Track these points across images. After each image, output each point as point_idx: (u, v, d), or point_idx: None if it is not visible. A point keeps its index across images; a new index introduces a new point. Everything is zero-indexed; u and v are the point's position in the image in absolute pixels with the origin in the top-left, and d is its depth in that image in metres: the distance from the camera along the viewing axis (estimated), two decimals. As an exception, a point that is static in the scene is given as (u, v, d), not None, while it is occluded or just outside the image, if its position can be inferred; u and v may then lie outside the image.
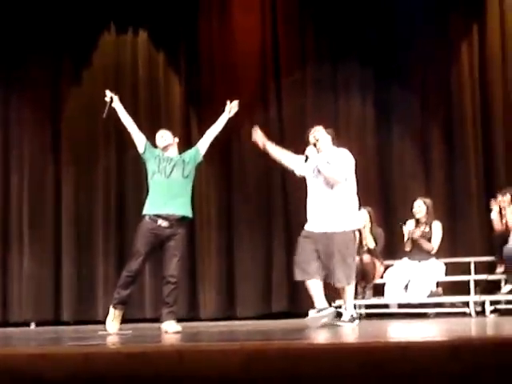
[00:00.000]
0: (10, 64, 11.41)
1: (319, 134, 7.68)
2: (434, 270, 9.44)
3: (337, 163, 7.44)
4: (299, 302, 10.65)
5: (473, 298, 9.16)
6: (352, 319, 7.52)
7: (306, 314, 10.02)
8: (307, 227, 7.59)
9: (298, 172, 7.81)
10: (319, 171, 7.48)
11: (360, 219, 7.72)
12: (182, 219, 7.25)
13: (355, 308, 9.65)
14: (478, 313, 9.04)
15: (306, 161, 7.56)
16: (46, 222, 11.17)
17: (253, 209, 11.02)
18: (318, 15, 11.13)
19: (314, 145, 7.61)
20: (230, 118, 7.72)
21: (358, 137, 11.01)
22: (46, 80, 11.47)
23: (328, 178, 7.41)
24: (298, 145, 10.90)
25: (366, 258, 9.58)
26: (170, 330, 7.00)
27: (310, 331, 6.71)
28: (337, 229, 7.35)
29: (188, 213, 7.30)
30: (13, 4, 11.31)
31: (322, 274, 7.38)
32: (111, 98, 7.56)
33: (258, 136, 7.88)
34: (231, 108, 7.70)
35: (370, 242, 9.70)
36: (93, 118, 11.20)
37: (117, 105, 7.56)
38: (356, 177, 7.58)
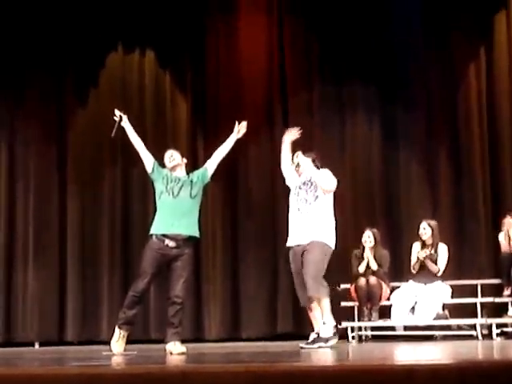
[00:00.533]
0: (17, 82, 11.42)
1: (298, 159, 7.95)
2: (441, 292, 9.39)
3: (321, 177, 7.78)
4: (304, 323, 10.61)
5: (479, 320, 9.11)
6: (330, 337, 7.53)
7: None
8: (288, 243, 7.85)
9: (288, 182, 8.06)
10: (305, 184, 7.81)
11: (333, 239, 7.78)
12: (189, 239, 7.22)
13: (361, 330, 9.66)
14: (484, 336, 8.99)
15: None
16: (51, 241, 11.14)
17: (258, 229, 10.99)
18: (323, 36, 11.17)
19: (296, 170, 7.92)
20: (237, 139, 7.69)
21: (364, 158, 11.06)
22: (53, 98, 11.47)
23: (321, 184, 7.71)
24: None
25: (372, 279, 9.54)
26: (175, 351, 6.95)
27: (315, 353, 6.65)
28: (311, 241, 7.53)
29: (195, 233, 7.27)
30: (20, 23, 11.35)
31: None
32: (120, 117, 7.57)
33: (290, 135, 8.05)
34: (240, 129, 7.67)
35: (372, 264, 9.66)
36: (98, 136, 11.25)
37: (125, 124, 7.58)
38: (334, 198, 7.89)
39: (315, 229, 7.60)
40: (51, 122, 11.42)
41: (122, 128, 7.57)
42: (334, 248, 7.77)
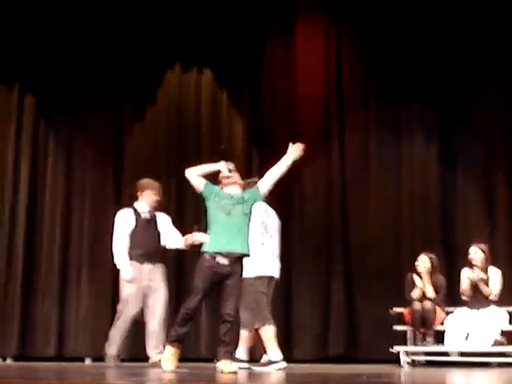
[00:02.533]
0: (75, 100, 11.54)
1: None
2: (497, 318, 9.22)
3: None
4: (357, 346, 10.52)
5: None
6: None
7: (365, 359, 9.96)
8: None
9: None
10: None
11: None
12: (242, 257, 7.18)
13: (415, 355, 9.51)
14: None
15: None
16: (104, 256, 11.11)
17: (311, 250, 10.91)
18: (381, 55, 11.12)
19: None
20: (276, 162, 7.57)
21: (421, 179, 10.94)
22: (110, 116, 11.56)
23: None
24: (359, 187, 10.89)
25: (427, 303, 9.39)
26: (226, 370, 6.89)
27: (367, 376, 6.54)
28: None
29: (247, 250, 7.23)
30: (78, 42, 11.50)
31: None
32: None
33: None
34: (294, 150, 7.54)
35: (429, 291, 9.53)
36: (154, 153, 11.31)
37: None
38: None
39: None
40: (108, 140, 11.51)
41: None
42: None
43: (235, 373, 6.83)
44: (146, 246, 8.48)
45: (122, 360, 8.89)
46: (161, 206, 8.97)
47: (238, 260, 7.14)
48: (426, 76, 10.93)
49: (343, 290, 10.72)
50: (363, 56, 11.29)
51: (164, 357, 7.20)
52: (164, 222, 8.52)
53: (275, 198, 10.45)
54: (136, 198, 8.70)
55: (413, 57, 10.98)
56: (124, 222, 8.35)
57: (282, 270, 10.89)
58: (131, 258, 8.42)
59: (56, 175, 11.52)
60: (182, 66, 11.62)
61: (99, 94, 11.54)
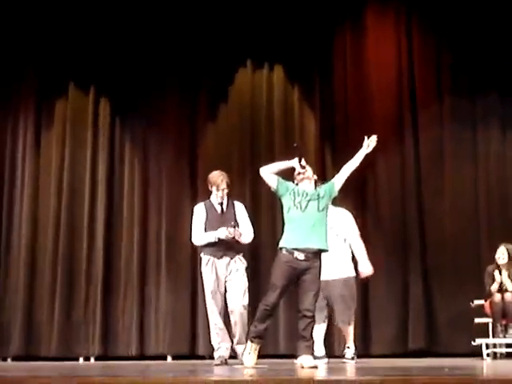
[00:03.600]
0: (150, 100, 11.66)
1: None
2: None
3: None
4: (437, 340, 10.43)
5: None
6: None
7: (445, 353, 9.87)
8: None
9: None
10: None
11: None
12: (319, 252, 7.18)
13: (496, 347, 9.40)
14: None
15: None
16: (183, 255, 11.24)
17: (388, 244, 10.84)
18: (455, 45, 10.99)
19: None
20: (349, 158, 7.58)
21: (498, 172, 10.79)
22: (185, 115, 11.67)
23: None
24: (435, 180, 10.79)
25: (508, 295, 9.28)
26: (306, 365, 6.89)
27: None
28: None
29: (324, 246, 7.21)
30: (150, 44, 11.63)
31: None
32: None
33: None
34: (369, 143, 7.55)
35: (508, 284, 9.40)
36: (228, 151, 11.38)
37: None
38: None
39: None
40: (183, 138, 11.61)
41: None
42: None
43: (315, 367, 6.83)
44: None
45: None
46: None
47: (315, 255, 7.12)
48: (502, 66, 10.76)
49: (421, 283, 10.63)
50: (435, 47, 11.17)
51: (245, 353, 7.24)
52: (239, 213, 8.47)
53: (351, 191, 10.59)
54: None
55: (488, 46, 10.81)
56: (198, 216, 8.35)
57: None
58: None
59: (132, 176, 11.67)
60: (254, 63, 11.65)
61: (173, 95, 11.67)
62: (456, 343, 10.09)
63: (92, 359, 11.11)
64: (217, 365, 7.74)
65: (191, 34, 11.60)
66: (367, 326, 10.68)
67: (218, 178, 8.30)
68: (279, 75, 11.59)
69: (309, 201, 7.23)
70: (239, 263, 8.14)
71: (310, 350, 7.11)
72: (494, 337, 9.42)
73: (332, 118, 11.40)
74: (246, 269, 8.15)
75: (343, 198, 10.92)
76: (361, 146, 7.51)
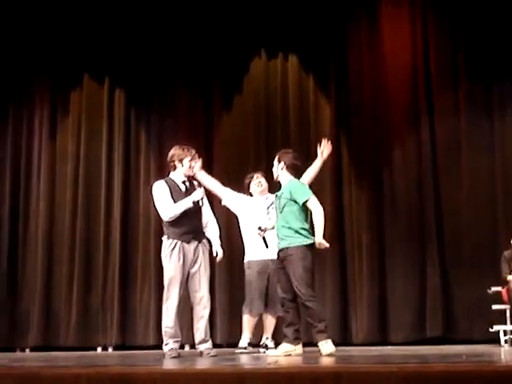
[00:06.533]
0: (165, 91, 11.69)
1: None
2: None
3: None
4: (455, 327, 10.41)
5: None
6: None
7: (463, 340, 9.85)
8: None
9: None
10: None
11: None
12: None
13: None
14: None
15: None
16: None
17: (405, 231, 10.82)
18: (470, 32, 10.91)
19: None
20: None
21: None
22: (200, 105, 11.65)
23: None
24: (451, 168, 10.74)
25: (525, 282, 9.28)
26: (324, 352, 6.91)
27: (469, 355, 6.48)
28: None
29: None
30: (165, 34, 11.65)
31: None
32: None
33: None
34: (323, 150, 7.68)
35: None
36: (243, 140, 11.37)
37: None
38: None
39: None
40: (198, 128, 11.56)
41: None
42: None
43: (331, 355, 6.83)
44: None
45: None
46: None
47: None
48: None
49: (438, 271, 10.59)
50: (451, 33, 11.10)
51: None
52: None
53: (367, 178, 10.60)
54: None
55: (505, 32, 10.72)
56: (163, 190, 7.89)
57: (376, 253, 10.88)
58: None
59: (148, 166, 11.68)
60: (268, 52, 11.61)
61: (188, 84, 11.66)
62: (473, 330, 10.08)
63: (110, 349, 11.15)
64: (174, 357, 7.33)
65: (205, 24, 11.60)
66: (385, 314, 10.67)
67: (188, 150, 7.89)
68: (294, 64, 11.55)
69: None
70: (205, 248, 7.77)
71: (324, 335, 7.07)
72: (511, 323, 9.40)
73: (347, 106, 11.35)
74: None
75: (359, 187, 10.97)
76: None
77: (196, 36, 11.59)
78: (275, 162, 7.56)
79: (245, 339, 8.36)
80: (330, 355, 6.84)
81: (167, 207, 7.64)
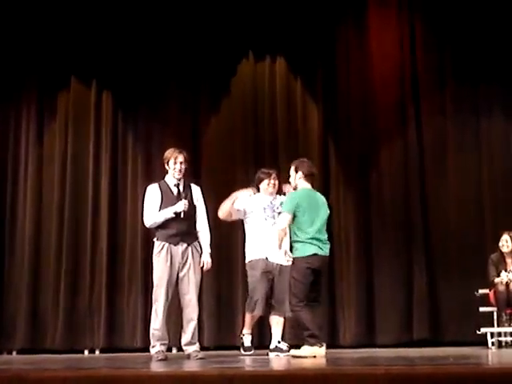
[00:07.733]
0: (153, 94, 11.65)
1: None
2: None
3: None
4: (442, 330, 10.43)
5: None
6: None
7: (450, 342, 9.87)
8: None
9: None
10: None
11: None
12: None
13: (501, 336, 9.42)
14: None
15: None
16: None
17: (391, 234, 10.85)
18: (456, 34, 10.96)
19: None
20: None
21: (501, 161, 10.77)
22: (188, 108, 11.63)
23: None
24: (438, 169, 10.78)
25: (512, 285, 9.30)
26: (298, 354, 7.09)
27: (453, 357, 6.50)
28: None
29: None
30: (152, 36, 11.61)
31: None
32: None
33: None
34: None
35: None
36: (230, 143, 11.35)
37: None
38: None
39: None
40: (185, 130, 11.52)
41: None
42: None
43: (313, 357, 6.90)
44: None
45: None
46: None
47: None
48: (504, 55, 10.73)
49: (425, 273, 10.62)
50: (438, 36, 11.14)
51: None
52: (196, 196, 8.05)
53: (353, 180, 10.59)
54: None
55: (491, 35, 10.78)
56: (152, 195, 7.90)
57: (363, 255, 10.91)
58: None
59: (135, 168, 11.64)
60: (256, 55, 11.60)
61: (175, 87, 11.64)
62: (461, 332, 10.10)
63: (97, 351, 11.12)
64: (161, 359, 7.29)
65: (193, 27, 11.59)
66: (372, 316, 10.69)
67: (173, 151, 7.81)
68: (281, 67, 11.55)
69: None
70: (195, 251, 7.70)
71: (310, 340, 7.11)
72: (498, 326, 9.43)
73: (335, 109, 11.36)
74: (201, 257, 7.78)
75: (346, 189, 10.99)
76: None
77: (183, 38, 11.57)
78: (292, 171, 7.58)
79: (247, 338, 8.44)
80: (297, 357, 7.02)
81: (149, 215, 7.73)
